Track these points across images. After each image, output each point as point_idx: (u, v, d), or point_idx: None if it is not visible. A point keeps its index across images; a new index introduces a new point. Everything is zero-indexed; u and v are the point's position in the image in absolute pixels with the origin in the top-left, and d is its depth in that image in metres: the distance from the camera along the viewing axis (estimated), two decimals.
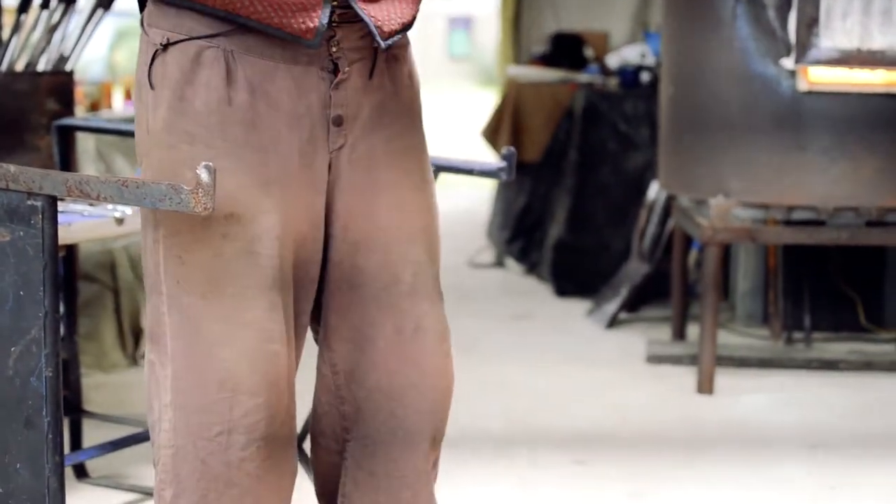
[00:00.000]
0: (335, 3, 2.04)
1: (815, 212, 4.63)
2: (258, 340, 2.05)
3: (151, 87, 2.07)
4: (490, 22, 20.19)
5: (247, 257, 2.04)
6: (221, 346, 2.04)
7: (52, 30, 3.91)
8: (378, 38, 2.08)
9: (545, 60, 7.61)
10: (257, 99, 2.05)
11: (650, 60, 6.78)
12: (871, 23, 4.44)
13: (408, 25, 2.14)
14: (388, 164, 2.17)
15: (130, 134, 3.39)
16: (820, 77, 4.53)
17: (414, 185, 2.20)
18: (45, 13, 3.90)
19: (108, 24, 7.87)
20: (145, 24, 2.11)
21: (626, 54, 7.00)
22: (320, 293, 2.19)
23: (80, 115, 5.01)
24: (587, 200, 6.38)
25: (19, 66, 3.94)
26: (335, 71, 2.09)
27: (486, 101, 11.09)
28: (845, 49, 4.46)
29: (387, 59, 2.15)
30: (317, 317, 2.22)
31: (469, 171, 2.80)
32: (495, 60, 9.78)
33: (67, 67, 3.98)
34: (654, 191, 5.81)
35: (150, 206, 1.89)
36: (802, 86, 4.51)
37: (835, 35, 4.44)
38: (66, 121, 3.56)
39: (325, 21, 2.02)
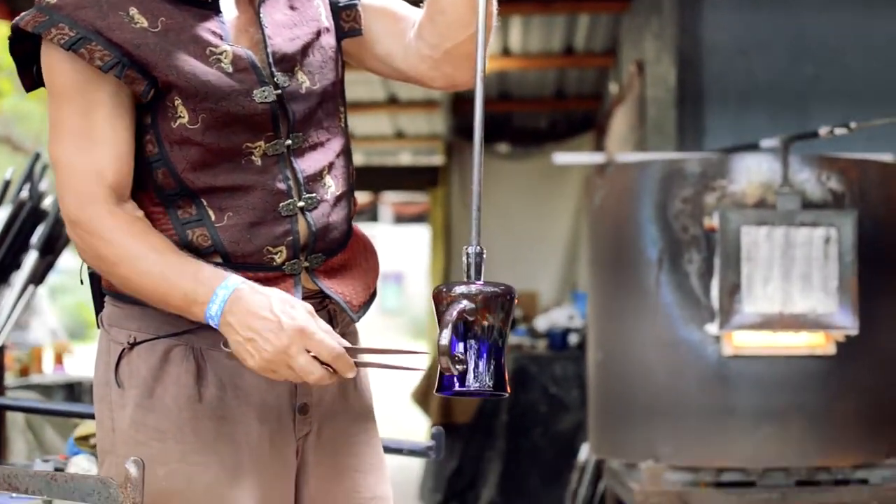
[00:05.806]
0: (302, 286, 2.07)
1: (745, 473, 4.64)
2: None
3: (118, 385, 2.08)
4: (420, 276, 20.42)
5: None
6: None
7: None
8: (350, 314, 2.14)
9: None
10: (227, 393, 2.07)
11: (578, 323, 6.87)
12: (791, 287, 4.54)
13: (374, 294, 2.20)
14: (349, 449, 2.21)
15: (62, 414, 3.38)
16: (744, 342, 4.60)
17: (371, 466, 2.25)
18: None
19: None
20: (106, 324, 2.12)
21: (554, 317, 7.09)
22: None
23: (10, 380, 4.98)
24: (519, 463, 6.39)
25: None
26: None
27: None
28: (768, 313, 4.54)
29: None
30: None
31: (398, 451, 2.82)
32: (426, 313, 9.86)
33: None
34: (586, 452, 5.82)
35: (80, 500, 1.89)
36: (727, 350, 4.57)
37: (757, 300, 4.53)
38: None
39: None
